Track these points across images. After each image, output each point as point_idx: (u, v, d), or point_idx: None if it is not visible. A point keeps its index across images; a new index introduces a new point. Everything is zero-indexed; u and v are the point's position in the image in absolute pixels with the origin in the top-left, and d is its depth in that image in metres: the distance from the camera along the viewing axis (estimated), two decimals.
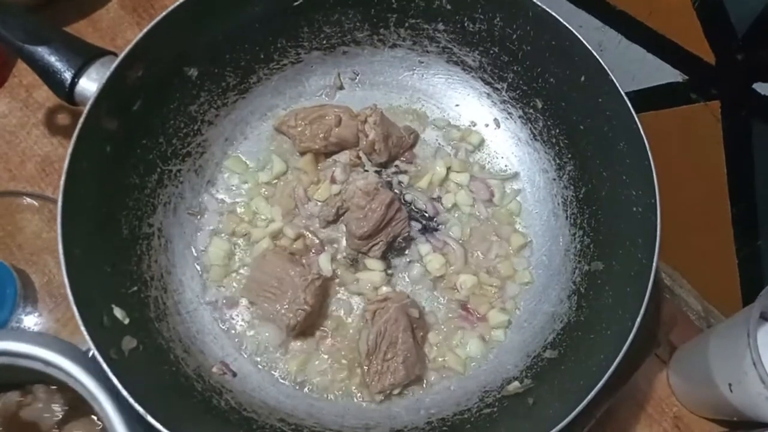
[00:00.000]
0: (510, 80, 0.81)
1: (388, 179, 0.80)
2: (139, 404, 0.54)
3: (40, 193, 0.80)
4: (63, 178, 0.60)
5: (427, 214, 0.78)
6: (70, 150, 0.60)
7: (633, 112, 0.67)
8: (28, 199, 0.79)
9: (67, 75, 0.66)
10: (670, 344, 0.80)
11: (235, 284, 0.74)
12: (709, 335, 0.73)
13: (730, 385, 0.67)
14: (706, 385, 0.70)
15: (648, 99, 0.92)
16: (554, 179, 0.79)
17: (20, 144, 0.84)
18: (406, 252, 0.76)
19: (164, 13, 0.67)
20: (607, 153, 0.71)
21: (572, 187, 0.77)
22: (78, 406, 0.57)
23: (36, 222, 0.78)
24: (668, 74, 0.90)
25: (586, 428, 0.70)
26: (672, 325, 0.79)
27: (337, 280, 0.75)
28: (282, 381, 0.70)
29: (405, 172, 0.80)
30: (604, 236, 0.72)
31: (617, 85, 0.68)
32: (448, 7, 0.77)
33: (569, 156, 0.77)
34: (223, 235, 0.76)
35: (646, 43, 0.90)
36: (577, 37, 0.70)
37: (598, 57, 0.69)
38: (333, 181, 0.78)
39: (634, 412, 0.78)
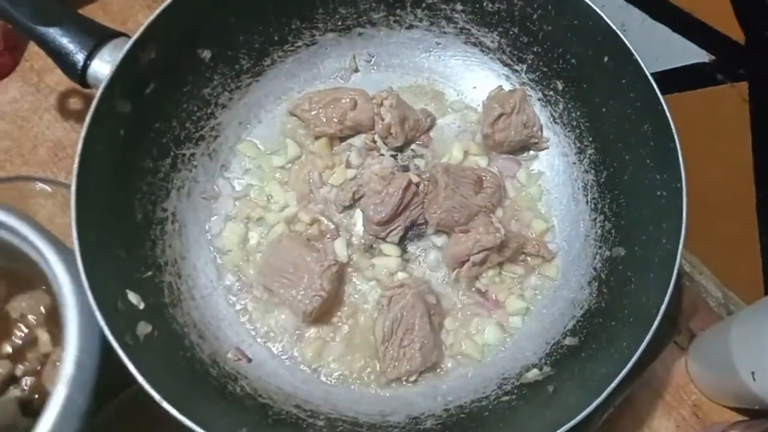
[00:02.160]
0: (530, 62, 0.79)
1: (404, 163, 0.78)
2: (155, 390, 0.53)
3: (52, 178, 0.79)
4: (76, 161, 0.59)
5: None
6: (83, 133, 0.60)
7: (659, 94, 0.65)
8: (41, 185, 0.78)
9: (80, 57, 0.65)
10: (689, 331, 0.79)
11: (250, 270, 0.73)
12: (730, 322, 0.72)
13: (753, 373, 0.66)
14: (728, 373, 0.69)
15: (672, 80, 0.89)
16: (574, 163, 0.78)
17: (32, 129, 0.84)
18: (423, 237, 0.75)
19: None
20: (630, 136, 0.70)
21: (593, 171, 0.75)
22: (23, 279, 0.56)
23: (49, 207, 0.77)
24: (694, 54, 0.88)
25: (604, 416, 0.70)
26: (693, 312, 0.78)
27: (352, 266, 0.74)
28: (297, 367, 0.69)
29: (421, 155, 0.79)
30: (627, 221, 0.70)
31: (642, 65, 0.66)
32: None
33: (590, 139, 0.76)
34: (237, 220, 0.75)
35: (671, 22, 0.88)
36: (600, 16, 0.68)
37: (622, 36, 0.67)
38: (348, 165, 0.77)
39: (652, 400, 0.77)
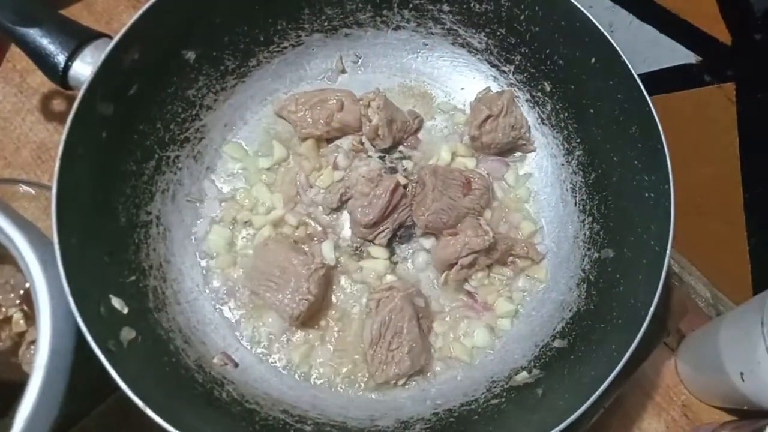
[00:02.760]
0: (517, 63, 0.79)
1: (392, 165, 0.78)
2: (139, 397, 0.52)
3: (36, 180, 0.78)
4: (57, 164, 0.58)
5: None
6: (64, 136, 0.59)
7: (646, 95, 0.65)
8: (24, 187, 0.77)
9: (61, 58, 0.64)
10: (678, 332, 0.79)
11: (236, 273, 0.72)
12: (719, 323, 0.72)
13: (741, 374, 0.66)
14: (717, 374, 0.69)
15: (660, 81, 0.90)
16: (563, 164, 0.78)
17: (15, 131, 0.82)
18: (411, 239, 0.75)
19: None
20: (618, 137, 0.70)
21: (581, 173, 0.75)
22: None
23: (32, 210, 0.76)
24: (681, 55, 0.88)
25: (594, 418, 0.69)
26: (682, 313, 0.78)
27: (340, 269, 0.73)
28: (285, 372, 0.69)
29: (409, 157, 0.79)
30: (615, 223, 0.70)
31: (629, 66, 0.66)
32: None
33: (578, 140, 0.76)
34: (223, 222, 0.74)
35: (659, 24, 0.88)
36: (587, 17, 0.68)
37: (609, 38, 0.67)
38: (335, 167, 0.76)
39: (641, 401, 0.77)
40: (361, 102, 0.76)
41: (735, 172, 0.88)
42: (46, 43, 0.65)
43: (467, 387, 0.69)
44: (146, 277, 0.67)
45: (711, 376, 0.72)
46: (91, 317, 0.55)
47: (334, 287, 0.72)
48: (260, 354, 0.69)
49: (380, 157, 0.78)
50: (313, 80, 0.82)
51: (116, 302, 0.60)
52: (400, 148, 0.79)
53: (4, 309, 0.60)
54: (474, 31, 0.79)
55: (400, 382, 0.67)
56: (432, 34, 0.81)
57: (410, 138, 0.79)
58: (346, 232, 0.74)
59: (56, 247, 0.56)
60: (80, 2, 0.90)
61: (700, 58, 0.86)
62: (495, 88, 0.81)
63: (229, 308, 0.71)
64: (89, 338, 0.53)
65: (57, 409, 0.51)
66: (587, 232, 0.73)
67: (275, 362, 0.69)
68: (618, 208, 0.70)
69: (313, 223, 0.74)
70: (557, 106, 0.77)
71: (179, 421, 0.53)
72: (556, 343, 0.68)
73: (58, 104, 0.84)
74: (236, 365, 0.67)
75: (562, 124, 0.77)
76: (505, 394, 0.66)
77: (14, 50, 0.86)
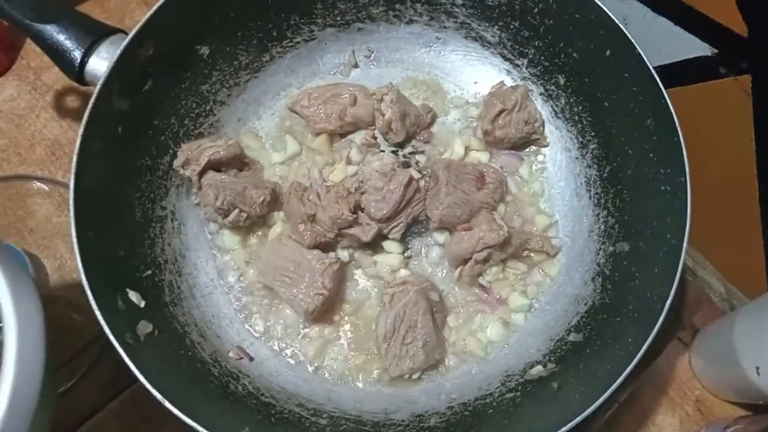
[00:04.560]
0: (531, 56, 0.78)
1: (406, 159, 0.78)
2: (156, 389, 0.53)
3: (50, 177, 0.79)
4: (74, 159, 0.58)
5: None
6: (81, 131, 0.59)
7: (662, 87, 0.64)
8: (39, 184, 0.78)
9: (77, 54, 0.65)
10: (692, 327, 0.79)
11: (251, 268, 0.72)
12: (734, 317, 0.72)
13: (757, 368, 0.65)
14: (732, 368, 0.69)
15: (675, 74, 0.89)
16: (577, 158, 0.77)
17: (29, 127, 0.83)
18: (425, 234, 0.75)
19: None
20: (633, 130, 0.69)
21: (596, 166, 0.75)
22: None
23: (47, 206, 0.77)
24: (696, 48, 0.87)
25: (608, 412, 0.69)
26: (696, 307, 0.78)
27: (353, 263, 0.73)
28: (299, 366, 0.69)
29: (422, 151, 0.78)
30: (630, 216, 0.70)
31: (645, 59, 0.66)
32: None
33: (593, 134, 0.75)
34: None
35: (674, 16, 0.87)
36: (602, 9, 0.68)
37: (624, 29, 0.67)
38: (349, 161, 0.76)
39: (655, 396, 0.76)
40: (374, 96, 0.76)
41: (750, 165, 0.87)
42: (62, 39, 0.65)
43: (482, 381, 0.68)
44: (162, 271, 0.67)
45: (725, 370, 0.72)
46: (109, 311, 0.55)
47: (349, 282, 0.72)
48: (275, 348, 0.69)
49: (393, 152, 0.78)
50: (326, 75, 0.82)
51: (133, 296, 0.61)
52: (413, 142, 0.79)
53: None
54: (487, 24, 0.78)
55: (415, 376, 0.67)
56: (445, 27, 0.80)
57: (423, 132, 0.79)
58: None
59: (74, 242, 0.56)
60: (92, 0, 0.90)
61: (716, 51, 0.85)
62: (508, 81, 0.81)
63: (244, 303, 0.71)
64: (108, 331, 0.54)
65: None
66: (602, 226, 0.73)
67: (290, 356, 0.69)
68: (633, 201, 0.70)
69: None
70: (571, 100, 0.77)
71: (196, 414, 0.53)
72: (572, 337, 0.68)
73: (71, 101, 0.84)
74: (251, 359, 0.68)
75: (577, 118, 0.77)
76: (520, 388, 0.66)
77: (28, 48, 0.86)
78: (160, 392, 0.53)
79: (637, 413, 0.75)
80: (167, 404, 0.53)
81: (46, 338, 0.47)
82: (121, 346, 0.54)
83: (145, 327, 0.60)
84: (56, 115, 0.83)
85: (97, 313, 0.54)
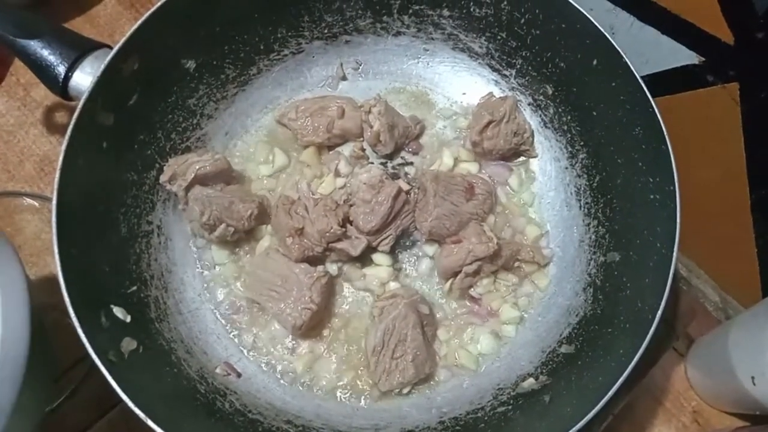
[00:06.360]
0: (519, 66, 0.78)
1: (394, 171, 0.77)
2: (140, 408, 0.52)
3: (39, 193, 0.79)
4: (57, 175, 0.58)
5: None
6: (64, 146, 0.59)
7: (649, 96, 0.64)
8: (28, 200, 0.77)
9: (61, 69, 0.65)
10: (687, 337, 0.78)
11: (238, 283, 0.72)
12: (729, 327, 0.71)
13: (753, 378, 0.65)
14: (728, 379, 0.68)
15: (663, 83, 0.89)
16: (566, 168, 0.77)
17: (18, 143, 0.82)
18: (414, 246, 0.74)
19: (160, 4, 0.65)
20: (621, 139, 0.69)
21: (585, 176, 0.75)
22: None
23: (36, 222, 0.77)
24: (684, 56, 0.87)
25: (603, 425, 0.68)
26: (690, 317, 0.78)
27: (342, 276, 0.72)
28: (288, 382, 0.68)
29: (411, 163, 0.78)
30: (620, 226, 0.69)
31: (632, 68, 0.66)
32: None
33: (582, 143, 0.75)
34: None
35: (660, 25, 0.87)
36: (588, 19, 0.68)
37: (611, 39, 0.67)
38: (337, 174, 0.76)
39: (651, 407, 0.76)
40: (362, 108, 0.76)
41: (741, 172, 0.87)
42: (46, 54, 0.65)
43: (473, 395, 0.68)
44: (148, 287, 0.67)
45: (721, 380, 0.71)
46: (91, 328, 0.55)
47: (337, 295, 0.72)
48: (263, 364, 0.69)
49: (382, 164, 0.78)
50: (313, 87, 0.82)
51: (119, 312, 0.60)
52: (402, 153, 0.79)
53: None
54: (474, 35, 0.78)
55: (405, 391, 0.67)
56: (432, 39, 0.80)
57: (412, 143, 0.79)
58: None
59: (57, 258, 0.56)
60: (82, 16, 0.90)
61: (703, 59, 0.85)
62: (497, 92, 0.81)
63: (231, 318, 0.70)
64: (90, 349, 0.53)
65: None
66: (593, 236, 0.72)
67: (278, 372, 0.68)
68: (623, 210, 0.69)
69: None
70: (560, 110, 0.77)
71: None
72: (563, 349, 0.67)
73: (60, 117, 0.84)
74: (239, 375, 0.67)
75: (565, 128, 0.76)
76: (512, 401, 0.65)
77: (18, 64, 0.86)
78: (143, 411, 0.52)
79: (633, 425, 0.74)
80: (151, 424, 0.52)
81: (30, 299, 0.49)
82: (104, 363, 0.53)
83: (129, 344, 0.59)
84: (45, 131, 0.83)
85: (79, 330, 0.53)
